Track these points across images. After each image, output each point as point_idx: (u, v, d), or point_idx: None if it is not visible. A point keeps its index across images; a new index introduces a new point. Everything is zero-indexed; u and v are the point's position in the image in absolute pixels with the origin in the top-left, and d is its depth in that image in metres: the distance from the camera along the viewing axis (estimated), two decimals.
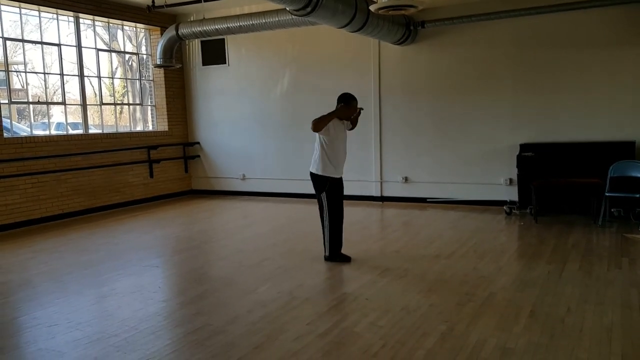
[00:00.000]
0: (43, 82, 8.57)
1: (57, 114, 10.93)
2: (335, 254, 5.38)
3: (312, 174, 5.38)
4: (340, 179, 5.45)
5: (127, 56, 10.36)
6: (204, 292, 4.62)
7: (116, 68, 10.29)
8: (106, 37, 9.83)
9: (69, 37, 8.80)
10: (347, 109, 5.30)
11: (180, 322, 3.98)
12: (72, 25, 8.69)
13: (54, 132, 9.22)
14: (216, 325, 3.82)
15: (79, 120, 9.09)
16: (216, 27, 7.96)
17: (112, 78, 9.64)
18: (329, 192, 5.30)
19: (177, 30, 8.44)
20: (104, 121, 9.46)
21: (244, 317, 3.98)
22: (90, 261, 5.77)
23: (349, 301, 4.30)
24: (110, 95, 9.93)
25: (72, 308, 4.32)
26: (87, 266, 5.57)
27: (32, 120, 9.04)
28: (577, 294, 4.32)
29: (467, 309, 4.03)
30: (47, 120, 9.13)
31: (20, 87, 11.23)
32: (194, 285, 4.86)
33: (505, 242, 6.29)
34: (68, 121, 9.29)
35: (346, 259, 5.38)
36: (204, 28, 8.11)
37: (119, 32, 9.85)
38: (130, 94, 10.18)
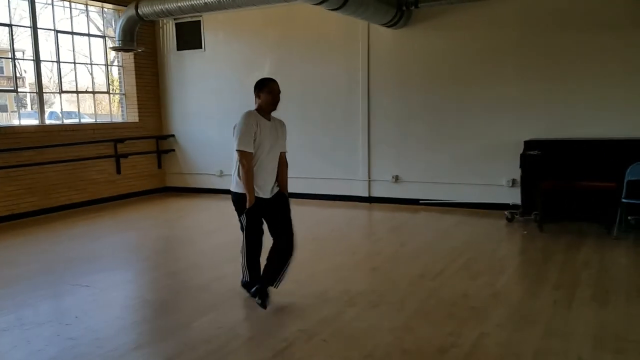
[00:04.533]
0: None
1: (11, 103, 10.07)
2: (253, 284, 4.06)
3: (232, 193, 4.05)
4: (270, 199, 4.04)
5: (90, 39, 9.47)
6: (129, 326, 3.76)
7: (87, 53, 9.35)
8: (67, 20, 8.91)
9: (23, 20, 7.91)
10: (269, 95, 4.19)
11: None
12: (26, 4, 7.80)
13: (3, 123, 8.32)
14: None
15: (36, 110, 8.23)
16: (179, 4, 7.04)
17: (75, 63, 8.73)
18: (249, 214, 3.94)
19: (136, 8, 7.52)
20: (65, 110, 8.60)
21: None
22: (12, 277, 4.90)
23: (301, 343, 3.41)
24: (73, 82, 8.96)
25: None
26: (5, 284, 4.70)
27: None
28: (590, 335, 3.42)
29: (449, 359, 3.14)
30: None
31: None
32: (121, 314, 4.01)
33: (505, 258, 5.40)
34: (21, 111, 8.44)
35: (262, 304, 3.90)
36: (166, 6, 7.19)
37: (84, 13, 8.93)
38: (96, 81, 9.29)
